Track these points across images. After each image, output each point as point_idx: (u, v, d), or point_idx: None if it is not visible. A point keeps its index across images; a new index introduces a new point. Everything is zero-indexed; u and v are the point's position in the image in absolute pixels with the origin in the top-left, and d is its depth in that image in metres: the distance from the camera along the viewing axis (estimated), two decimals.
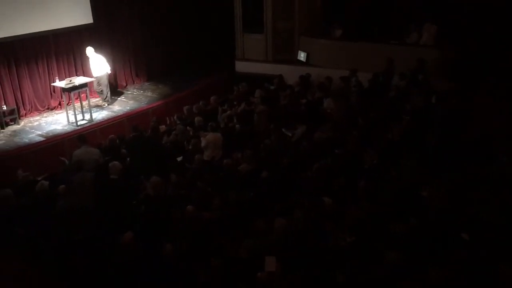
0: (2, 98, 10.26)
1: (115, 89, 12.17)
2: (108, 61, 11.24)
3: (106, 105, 11.23)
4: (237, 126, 8.54)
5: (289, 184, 5.91)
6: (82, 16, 11.40)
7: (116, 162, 6.58)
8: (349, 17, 12.05)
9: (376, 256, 4.27)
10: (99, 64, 10.96)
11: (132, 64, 12.88)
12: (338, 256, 4.49)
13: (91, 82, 10.91)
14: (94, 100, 11.42)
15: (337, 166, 6.19)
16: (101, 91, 11.24)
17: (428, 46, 10.44)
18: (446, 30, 10.38)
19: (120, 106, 11.36)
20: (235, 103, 9.74)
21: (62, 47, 11.28)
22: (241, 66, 12.87)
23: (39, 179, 7.34)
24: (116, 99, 11.74)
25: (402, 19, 11.41)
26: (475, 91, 8.42)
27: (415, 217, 4.74)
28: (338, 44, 11.55)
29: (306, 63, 11.76)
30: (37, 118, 10.67)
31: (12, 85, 10.40)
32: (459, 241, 4.49)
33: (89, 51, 10.84)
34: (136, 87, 12.80)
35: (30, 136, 9.77)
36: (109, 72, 11.22)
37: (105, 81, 11.15)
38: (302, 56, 11.95)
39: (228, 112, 9.22)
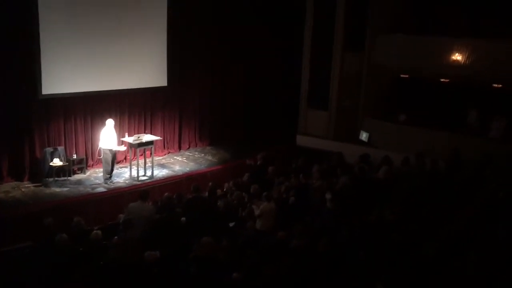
0: (74, 147, 10.89)
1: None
2: (174, 120, 11.50)
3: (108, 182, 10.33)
4: (291, 198, 8.49)
5: (339, 264, 5.70)
6: (157, 78, 12.17)
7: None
8: (417, 102, 12.02)
9: None
10: (110, 138, 10.28)
11: (197, 128, 13.40)
12: None
13: (157, 140, 11.37)
14: (157, 158, 11.83)
15: (394, 251, 5.93)
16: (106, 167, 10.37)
17: (496, 140, 10.16)
18: None
19: (181, 167, 11.71)
20: (292, 175, 9.75)
21: (135, 105, 11.98)
22: (301, 140, 13.03)
23: (95, 228, 7.53)
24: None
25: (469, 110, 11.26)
26: None
27: None
28: (402, 128, 11.48)
29: (367, 144, 11.71)
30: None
31: (85, 136, 11.06)
32: None
33: (109, 123, 10.29)
34: (198, 150, 13.21)
35: (93, 186, 10.18)
36: (114, 150, 10.32)
37: (108, 158, 10.26)
38: (364, 136, 11.94)
39: (285, 183, 9.21)
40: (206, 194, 8.62)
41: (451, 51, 10.98)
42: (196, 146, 13.37)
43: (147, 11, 11.78)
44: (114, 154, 10.41)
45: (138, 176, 10.60)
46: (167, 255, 6.18)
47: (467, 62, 10.70)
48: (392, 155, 9.82)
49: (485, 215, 6.81)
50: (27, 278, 6.10)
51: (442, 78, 11.72)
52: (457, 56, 10.87)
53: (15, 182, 10.01)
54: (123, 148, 10.72)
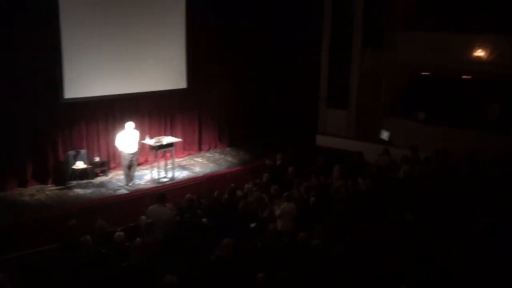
0: (97, 150, 11.05)
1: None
2: (192, 123, 11.65)
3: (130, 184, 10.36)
4: (312, 198, 8.46)
5: (363, 264, 5.67)
6: (177, 81, 12.28)
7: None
8: (438, 100, 11.85)
9: None
10: (132, 141, 10.27)
11: (217, 129, 13.46)
12: None
13: (177, 142, 11.46)
14: (177, 160, 11.91)
15: (415, 252, 5.87)
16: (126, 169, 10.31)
17: None
18: None
19: (201, 168, 11.78)
20: (311, 175, 9.71)
21: (156, 108, 12.09)
22: (321, 140, 12.97)
23: (118, 230, 7.63)
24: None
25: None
26: None
27: None
28: (423, 127, 11.34)
29: (388, 143, 11.59)
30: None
31: (107, 139, 11.21)
32: None
33: (129, 125, 10.25)
34: (218, 151, 13.27)
35: (115, 188, 10.32)
36: (132, 152, 10.23)
37: (126, 162, 10.23)
38: (384, 135, 11.83)
39: (305, 184, 9.18)
40: (226, 195, 8.66)
41: (472, 48, 10.80)
42: (216, 148, 13.44)
43: (166, 14, 11.90)
44: (133, 158, 10.37)
45: (159, 178, 10.71)
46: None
47: (489, 58, 10.51)
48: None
49: (509, 214, 6.67)
50: (52, 280, 6.21)
51: (464, 75, 11.53)
52: (479, 53, 10.69)
53: (40, 185, 10.21)
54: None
